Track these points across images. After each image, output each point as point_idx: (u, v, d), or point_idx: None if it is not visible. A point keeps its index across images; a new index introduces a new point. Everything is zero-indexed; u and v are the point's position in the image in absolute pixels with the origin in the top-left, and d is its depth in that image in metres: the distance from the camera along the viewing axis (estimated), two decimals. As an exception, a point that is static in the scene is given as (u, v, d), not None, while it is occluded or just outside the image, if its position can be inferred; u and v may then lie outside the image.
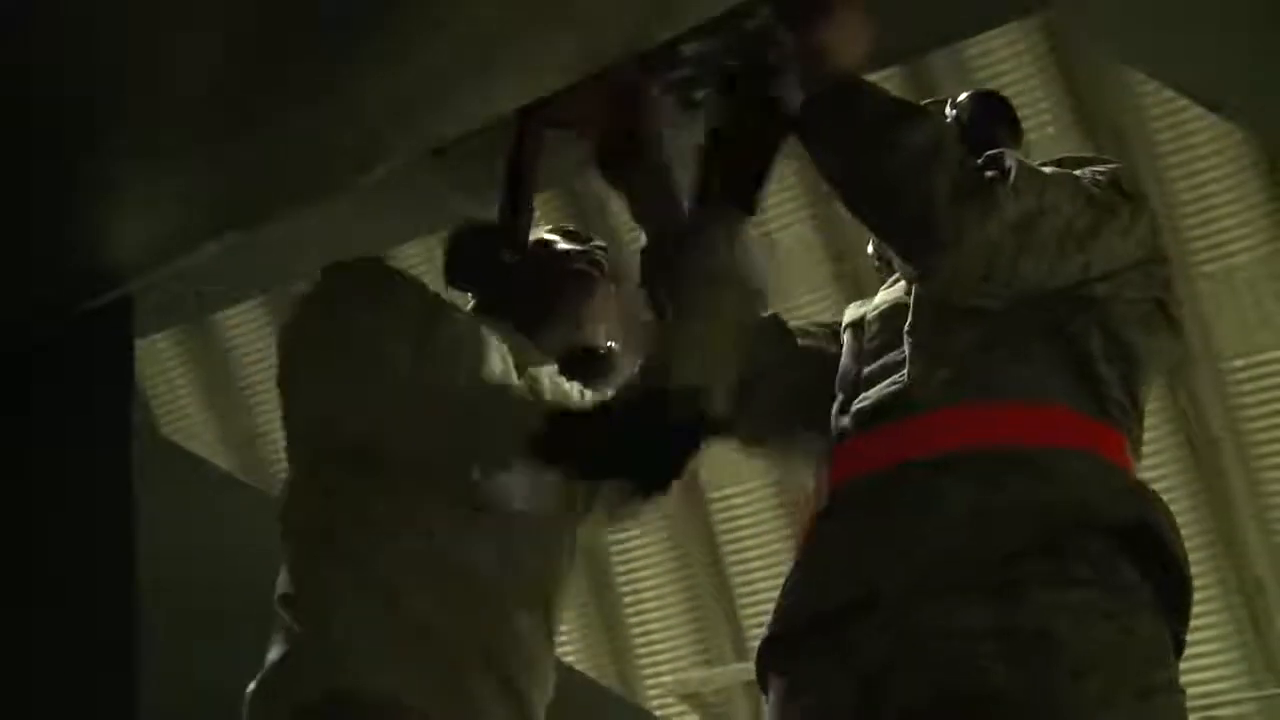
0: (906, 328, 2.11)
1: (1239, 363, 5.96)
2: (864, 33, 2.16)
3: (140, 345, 2.64)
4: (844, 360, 2.23)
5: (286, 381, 2.09)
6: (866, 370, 2.15)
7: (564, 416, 2.07)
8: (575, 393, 2.19)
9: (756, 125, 2.17)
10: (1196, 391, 5.99)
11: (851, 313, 2.33)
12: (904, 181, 2.00)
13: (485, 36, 1.89)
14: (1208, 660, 5.95)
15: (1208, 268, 5.93)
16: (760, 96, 2.15)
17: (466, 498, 2.03)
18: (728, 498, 6.65)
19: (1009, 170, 1.99)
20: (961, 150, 2.02)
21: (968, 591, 1.90)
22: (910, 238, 2.03)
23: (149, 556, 2.49)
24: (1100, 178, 2.08)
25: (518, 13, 1.86)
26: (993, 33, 5.55)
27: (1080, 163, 2.14)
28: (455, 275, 2.28)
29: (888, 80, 2.29)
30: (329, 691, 1.91)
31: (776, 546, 6.71)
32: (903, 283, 2.22)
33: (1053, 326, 2.05)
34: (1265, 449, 5.98)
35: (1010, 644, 1.87)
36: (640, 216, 2.36)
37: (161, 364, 7.57)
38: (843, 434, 2.12)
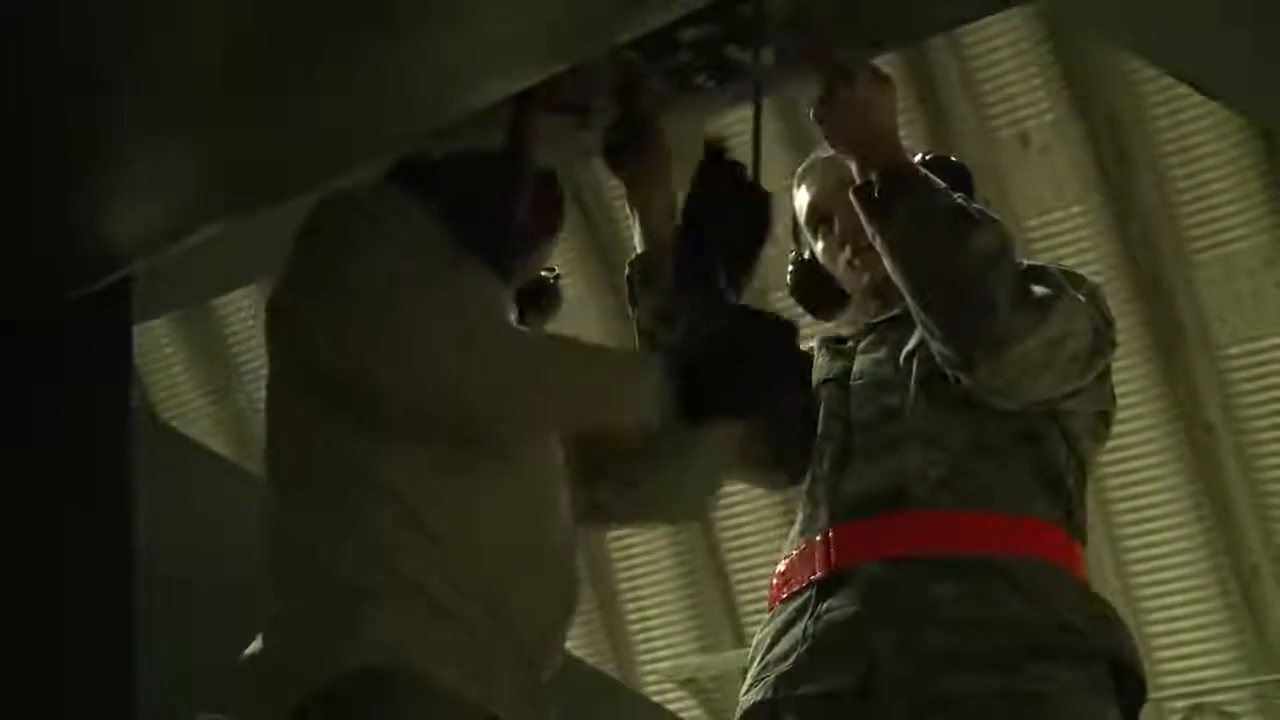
0: (905, 411, 2.21)
1: (1235, 350, 5.97)
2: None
3: (138, 330, 2.64)
4: (827, 418, 2.31)
5: (286, 327, 1.91)
6: (856, 441, 2.25)
7: (681, 354, 1.91)
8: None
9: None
10: (1193, 379, 6.00)
11: (826, 361, 2.39)
12: (970, 277, 2.11)
13: (489, 21, 1.89)
14: (1204, 647, 5.96)
15: (1204, 255, 5.93)
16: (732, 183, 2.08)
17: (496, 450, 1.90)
18: (730, 495, 6.66)
19: (1057, 290, 2.12)
20: (1016, 259, 2.14)
21: (968, 671, 2.08)
22: (965, 333, 2.14)
23: (146, 540, 2.49)
24: (1092, 305, 2.23)
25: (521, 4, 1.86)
26: (990, 19, 5.54)
27: (1072, 277, 2.27)
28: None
29: (886, 67, 2.29)
30: (357, 670, 1.79)
31: (773, 534, 6.72)
32: (885, 349, 2.31)
33: (1030, 435, 2.25)
34: (1262, 436, 5.99)
35: (1010, 703, 2.06)
36: (637, 205, 2.37)
37: (159, 349, 7.57)
38: (835, 509, 2.22)
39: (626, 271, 2.37)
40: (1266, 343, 5.93)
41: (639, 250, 2.34)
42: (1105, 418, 2.34)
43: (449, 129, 2.11)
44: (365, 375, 1.87)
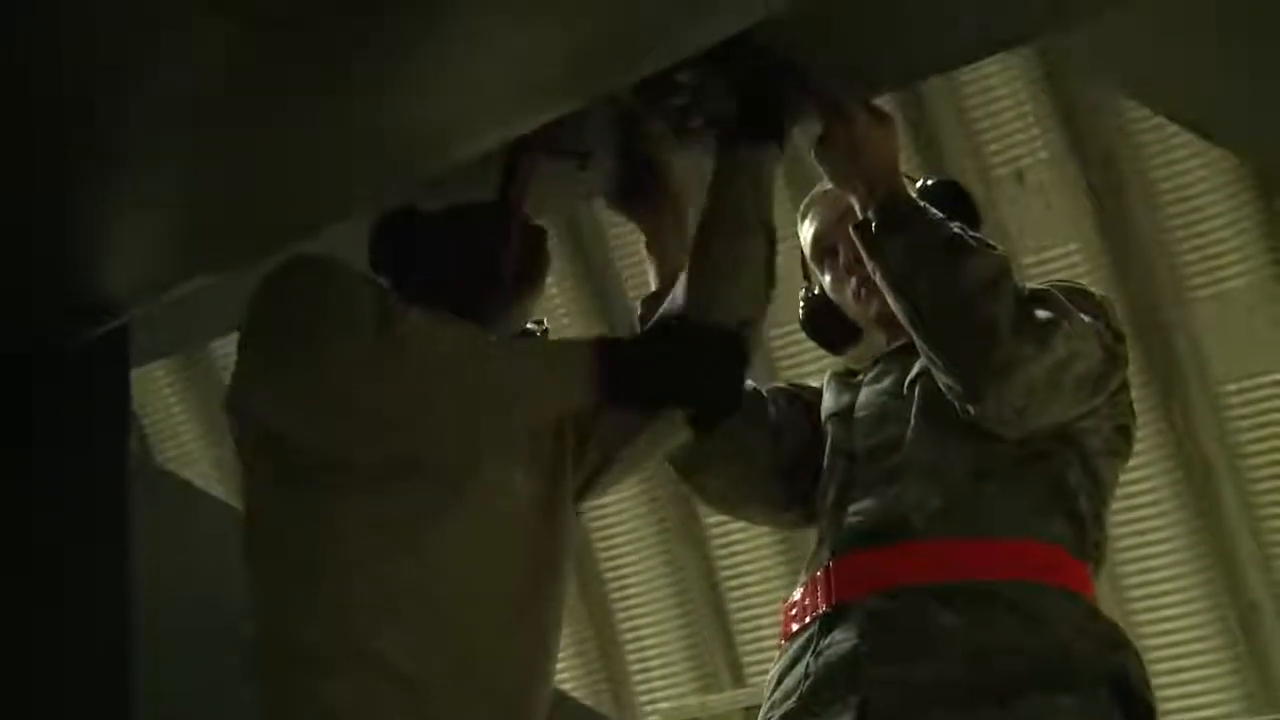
0: (906, 442, 2.21)
1: (1232, 386, 5.97)
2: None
3: (136, 373, 2.65)
4: (831, 452, 2.32)
5: (243, 394, 1.97)
6: (859, 474, 2.25)
7: (616, 343, 2.00)
8: None
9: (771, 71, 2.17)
10: (1191, 416, 5.99)
11: (833, 396, 2.40)
12: (968, 307, 2.11)
13: (494, 63, 1.90)
14: (1204, 685, 5.94)
15: (1201, 292, 5.94)
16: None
17: (454, 487, 1.93)
18: (724, 524, 6.64)
19: (1061, 313, 2.12)
20: (1016, 284, 2.13)
21: (961, 705, 2.06)
22: (968, 361, 2.14)
23: (145, 583, 2.49)
24: (1100, 322, 2.20)
25: (531, 40, 1.87)
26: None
27: (1066, 291, 2.26)
28: (385, 263, 2.15)
29: (883, 104, 2.31)
30: None
31: (774, 573, 6.70)
32: (889, 380, 2.31)
33: (1039, 457, 2.22)
34: (1261, 473, 5.98)
35: None
36: (650, 246, 2.38)
37: (158, 392, 7.57)
38: (838, 542, 2.23)
39: (639, 311, 2.37)
40: (1264, 379, 5.93)
41: (653, 290, 2.35)
42: (1125, 432, 2.31)
43: (445, 176, 2.11)
44: (298, 428, 1.92)
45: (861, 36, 2.19)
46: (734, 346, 2.02)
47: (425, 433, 1.94)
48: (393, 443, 1.94)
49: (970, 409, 2.16)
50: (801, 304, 2.55)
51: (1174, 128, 5.44)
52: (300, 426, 1.93)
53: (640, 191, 2.35)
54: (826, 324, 2.51)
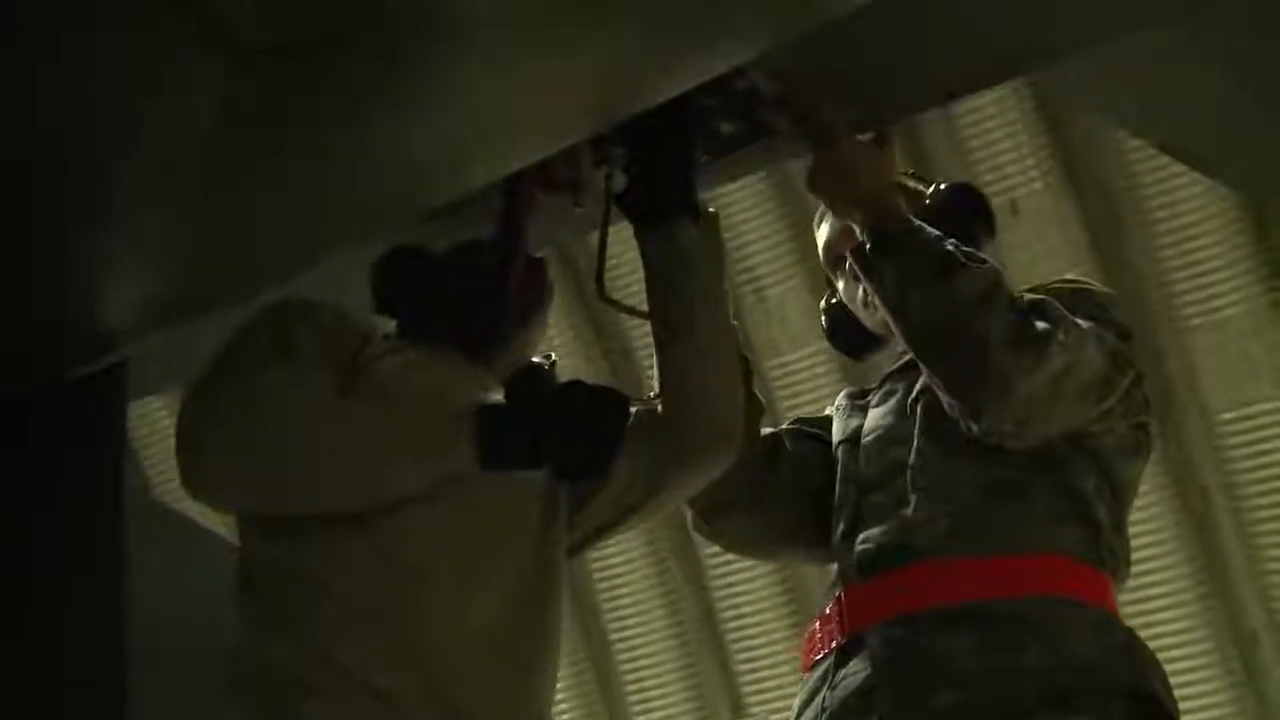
0: (911, 464, 2.20)
1: (1228, 415, 5.97)
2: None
3: (134, 406, 2.65)
4: (841, 482, 2.31)
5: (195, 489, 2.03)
6: (867, 501, 2.23)
7: (493, 410, 2.02)
8: None
9: (665, 132, 2.17)
10: (1187, 444, 5.99)
11: (842, 421, 2.39)
12: (960, 324, 2.10)
13: (489, 103, 1.91)
14: (1202, 715, 5.92)
15: (1196, 321, 5.94)
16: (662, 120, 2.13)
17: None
18: (722, 556, 6.62)
19: (1057, 322, 2.10)
20: (1011, 295, 2.12)
21: None
22: (964, 378, 2.13)
23: (140, 616, 2.48)
24: (1103, 323, 2.17)
25: (524, 82, 1.88)
26: (980, 89, 5.58)
27: (1068, 292, 2.23)
28: (388, 300, 2.21)
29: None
30: None
31: (770, 605, 6.69)
32: (894, 400, 2.30)
33: (1052, 465, 2.18)
34: (1258, 501, 5.97)
35: None
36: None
37: (155, 425, 7.56)
38: (848, 572, 2.20)
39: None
40: (1260, 408, 5.93)
41: None
42: (1143, 429, 2.28)
43: (446, 209, 2.12)
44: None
45: (860, 70, 2.21)
46: (610, 410, 2.01)
47: (334, 491, 1.98)
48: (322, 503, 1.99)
49: (972, 426, 2.15)
50: (822, 313, 2.55)
51: (1168, 159, 5.46)
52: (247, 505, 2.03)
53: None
54: (847, 331, 2.50)
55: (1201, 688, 5.91)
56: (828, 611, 2.24)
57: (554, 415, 1.97)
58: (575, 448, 1.97)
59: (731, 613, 6.92)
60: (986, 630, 2.10)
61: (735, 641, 6.89)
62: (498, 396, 2.06)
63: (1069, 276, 2.42)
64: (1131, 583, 6.71)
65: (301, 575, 1.97)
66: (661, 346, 2.20)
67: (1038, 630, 2.09)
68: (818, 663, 2.23)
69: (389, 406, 1.98)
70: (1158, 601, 5.95)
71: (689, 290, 2.16)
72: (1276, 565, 5.93)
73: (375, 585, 1.95)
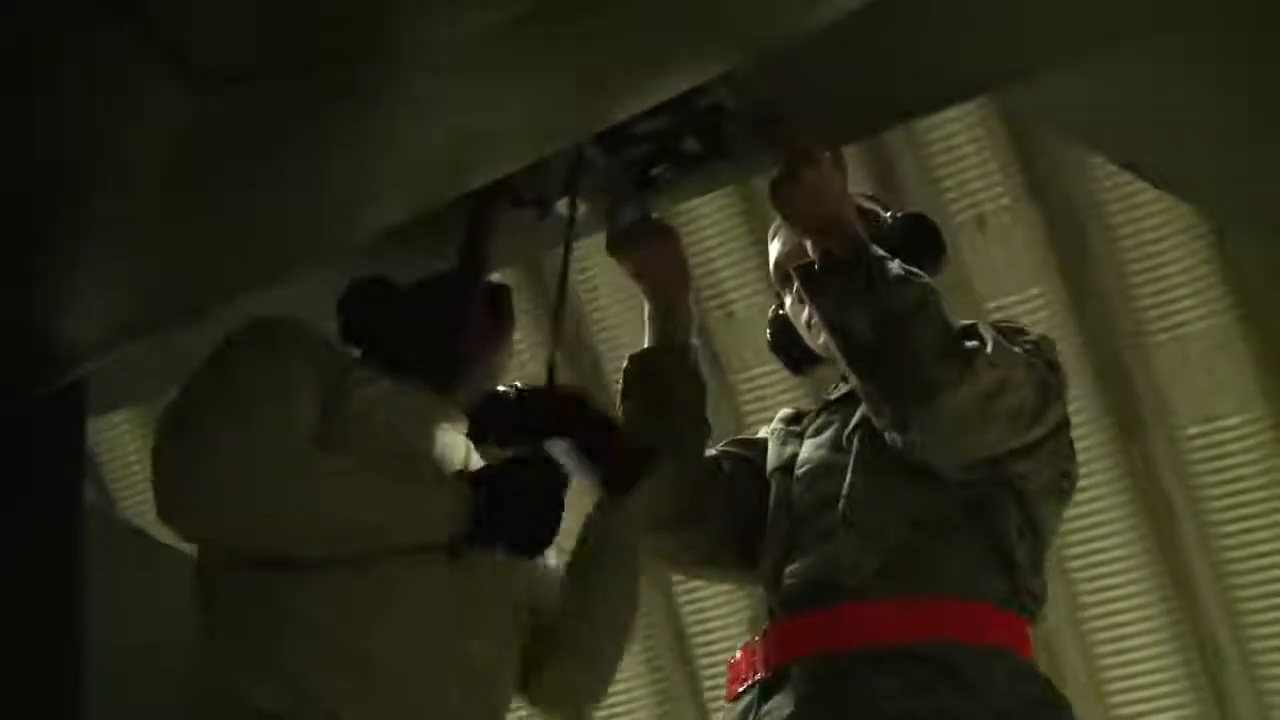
0: (844, 494, 2.21)
1: (1193, 430, 6.00)
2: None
3: (98, 423, 2.63)
4: (774, 507, 2.32)
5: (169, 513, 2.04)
6: (798, 533, 2.25)
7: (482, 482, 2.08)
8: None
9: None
10: (1152, 458, 6.02)
11: (776, 448, 2.40)
12: (894, 336, 2.12)
13: (452, 127, 1.91)
14: (1170, 730, 5.94)
15: (1161, 336, 5.98)
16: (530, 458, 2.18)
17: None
18: (693, 589, 6.64)
19: (986, 341, 2.12)
20: (945, 312, 2.14)
21: None
22: (892, 390, 2.15)
23: (101, 635, 2.46)
24: (1035, 356, 2.21)
25: (487, 105, 1.88)
26: (945, 105, 5.60)
27: (1006, 328, 2.26)
28: (354, 330, 2.24)
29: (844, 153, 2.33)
30: None
31: (738, 621, 6.68)
32: (830, 431, 2.32)
33: (979, 505, 2.19)
34: (1223, 515, 6.00)
35: None
36: (647, 299, 2.41)
37: (118, 441, 7.51)
38: (774, 605, 2.22)
39: (625, 365, 2.38)
40: (1225, 422, 5.97)
41: (648, 345, 2.36)
42: (1067, 476, 2.31)
43: (407, 228, 2.12)
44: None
45: (828, 86, 2.21)
46: (548, 490, 2.08)
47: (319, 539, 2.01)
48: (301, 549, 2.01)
49: (899, 439, 2.16)
50: (769, 322, 2.56)
51: (1132, 175, 5.49)
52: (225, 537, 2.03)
53: (635, 241, 2.38)
54: (789, 343, 2.52)
55: (1166, 701, 5.92)
56: (753, 643, 2.25)
57: (497, 494, 2.03)
58: (513, 528, 2.04)
59: (698, 627, 6.92)
60: (910, 673, 2.12)
61: (702, 657, 6.88)
62: (460, 429, 2.10)
63: (1005, 320, 2.46)
64: (1096, 596, 6.70)
65: (270, 602, 1.96)
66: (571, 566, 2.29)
67: (956, 678, 2.11)
68: (740, 695, 2.25)
69: (376, 475, 2.01)
70: (1123, 615, 5.97)
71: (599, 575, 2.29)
72: (1241, 579, 5.95)
73: (351, 619, 1.96)
